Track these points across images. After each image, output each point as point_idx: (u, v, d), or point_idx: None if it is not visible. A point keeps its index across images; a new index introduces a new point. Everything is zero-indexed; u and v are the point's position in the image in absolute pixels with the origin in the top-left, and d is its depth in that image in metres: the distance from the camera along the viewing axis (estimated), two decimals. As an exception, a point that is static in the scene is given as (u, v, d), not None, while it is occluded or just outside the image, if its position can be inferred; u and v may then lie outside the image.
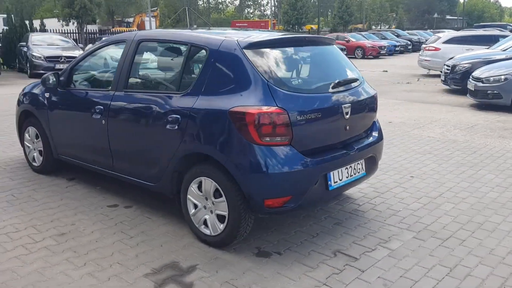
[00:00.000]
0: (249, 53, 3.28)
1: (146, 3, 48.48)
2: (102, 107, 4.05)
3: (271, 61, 3.36)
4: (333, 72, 3.79)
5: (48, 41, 17.10)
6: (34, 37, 17.14)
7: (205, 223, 3.47)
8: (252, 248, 3.45)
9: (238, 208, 3.25)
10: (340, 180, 3.51)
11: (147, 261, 3.26)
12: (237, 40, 3.36)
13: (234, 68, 3.29)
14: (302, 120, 3.21)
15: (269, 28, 46.33)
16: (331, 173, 3.42)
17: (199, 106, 3.35)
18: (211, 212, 3.42)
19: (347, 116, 3.53)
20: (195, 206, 3.51)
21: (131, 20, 55.10)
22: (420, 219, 4.01)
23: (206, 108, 3.31)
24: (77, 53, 15.53)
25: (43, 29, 22.66)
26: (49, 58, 15.44)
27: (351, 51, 28.31)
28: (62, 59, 15.50)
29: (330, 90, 3.51)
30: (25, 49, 16.20)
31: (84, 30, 22.77)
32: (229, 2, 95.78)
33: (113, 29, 36.42)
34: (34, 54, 15.52)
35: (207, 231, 3.46)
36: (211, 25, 60.94)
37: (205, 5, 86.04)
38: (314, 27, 50.10)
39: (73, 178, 4.97)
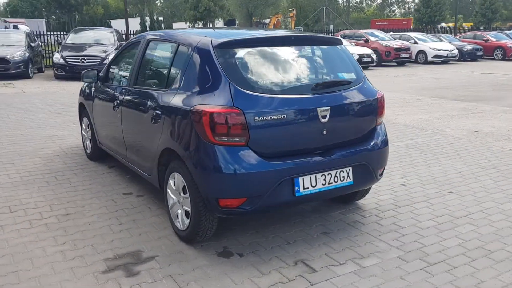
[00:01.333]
0: (218, 53, 3.29)
1: (283, 4, 49.78)
2: (118, 101, 4.39)
3: (240, 61, 3.31)
4: (317, 73, 3.59)
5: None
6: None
7: (178, 217, 3.57)
8: (218, 247, 3.45)
9: (198, 206, 3.28)
10: (313, 186, 3.32)
11: (117, 247, 3.46)
12: (211, 40, 3.38)
13: (204, 67, 3.32)
14: (261, 122, 3.12)
15: (411, 27, 44.06)
16: (300, 178, 3.26)
17: (174, 103, 3.46)
18: (182, 207, 3.51)
19: (325, 120, 3.33)
20: (173, 199, 3.63)
21: (267, 21, 56.99)
22: (420, 238, 3.60)
23: (177, 105, 3.40)
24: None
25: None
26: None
27: (490, 51, 25.70)
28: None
29: (304, 92, 3.35)
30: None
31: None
32: (371, 0, 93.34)
33: None
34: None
35: (179, 225, 3.56)
36: (350, 24, 60.04)
37: (345, 4, 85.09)
38: (451, 25, 46.38)
39: (113, 166, 5.42)
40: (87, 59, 14.71)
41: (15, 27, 21.85)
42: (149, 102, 3.82)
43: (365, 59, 20.28)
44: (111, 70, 4.99)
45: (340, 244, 3.50)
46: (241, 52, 3.35)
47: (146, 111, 3.86)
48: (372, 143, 3.66)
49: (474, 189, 4.69)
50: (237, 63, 3.29)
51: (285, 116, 3.19)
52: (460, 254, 3.36)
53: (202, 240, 3.47)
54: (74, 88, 12.47)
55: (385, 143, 3.79)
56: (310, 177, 3.30)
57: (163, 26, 28.05)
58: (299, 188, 3.26)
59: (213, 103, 3.13)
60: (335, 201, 4.31)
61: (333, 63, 3.73)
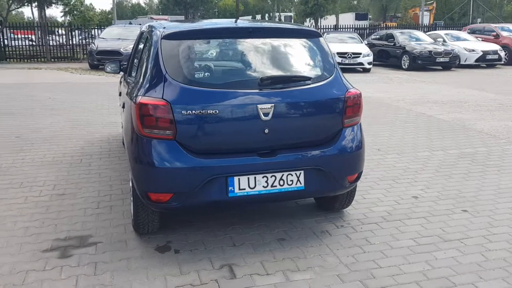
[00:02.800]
0: (163, 44, 3.23)
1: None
2: (122, 91, 4.58)
3: (183, 53, 3.20)
4: (270, 68, 3.31)
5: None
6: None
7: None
8: (162, 241, 3.42)
9: (136, 199, 3.28)
10: (252, 188, 3.11)
11: (75, 229, 3.61)
12: (163, 31, 3.33)
13: (150, 58, 3.29)
14: (190, 116, 2.99)
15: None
16: (236, 178, 3.07)
17: (129, 93, 3.50)
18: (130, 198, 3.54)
19: (266, 118, 3.07)
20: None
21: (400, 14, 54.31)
22: (381, 259, 3.16)
23: (128, 96, 3.43)
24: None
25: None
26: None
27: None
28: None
29: (248, 87, 3.12)
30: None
31: (318, 26, 23.95)
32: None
33: (384, 24, 36.65)
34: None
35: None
36: (503, 18, 54.18)
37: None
38: None
39: (137, 154, 5.67)
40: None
41: (130, 23, 23.97)
42: (128, 91, 3.91)
43: (490, 57, 18.26)
44: (131, 61, 5.20)
45: (285, 253, 3.23)
46: (186, 44, 3.25)
47: (123, 102, 3.96)
48: (334, 147, 3.29)
49: (497, 210, 3.97)
50: (179, 55, 3.19)
51: (218, 111, 3.02)
52: (412, 282, 2.88)
53: (146, 232, 3.46)
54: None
55: (356, 147, 3.40)
56: (248, 178, 3.09)
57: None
58: (233, 188, 3.08)
59: (149, 95, 3.09)
60: (317, 208, 3.98)
61: (297, 58, 3.43)
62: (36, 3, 18.65)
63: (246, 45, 3.35)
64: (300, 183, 3.20)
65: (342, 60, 16.76)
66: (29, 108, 8.72)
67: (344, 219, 3.80)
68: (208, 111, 3.01)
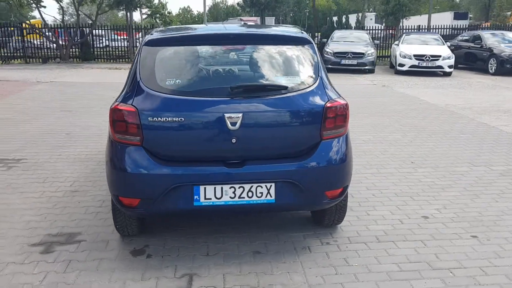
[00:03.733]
0: (143, 50, 3.27)
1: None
2: None
3: (158, 60, 3.21)
4: (245, 76, 3.20)
5: (349, 38, 18.18)
6: (338, 34, 18.70)
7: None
8: (141, 244, 3.47)
9: (112, 202, 3.36)
10: (218, 198, 3.05)
11: (69, 226, 3.78)
12: (148, 37, 3.37)
13: (132, 64, 3.36)
14: (157, 123, 3.00)
15: None
16: (201, 187, 3.03)
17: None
18: (115, 200, 3.62)
19: (234, 128, 2.99)
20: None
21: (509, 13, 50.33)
22: (349, 283, 2.95)
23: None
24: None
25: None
26: (337, 54, 16.58)
27: None
28: (349, 55, 16.36)
29: (218, 95, 3.06)
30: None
31: (400, 26, 22.87)
32: None
33: (484, 24, 34.34)
34: (326, 49, 17.03)
35: (118, 217, 3.69)
36: None
37: None
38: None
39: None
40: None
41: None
42: None
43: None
44: None
45: (253, 268, 3.13)
46: (163, 51, 3.26)
47: None
48: (309, 160, 3.12)
49: (511, 239, 3.53)
50: (155, 61, 3.21)
51: (184, 119, 3.00)
52: (372, 312, 2.65)
53: (126, 234, 3.53)
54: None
55: (338, 161, 3.20)
56: (215, 188, 3.04)
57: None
58: (199, 197, 3.04)
59: (123, 101, 3.14)
60: (313, 222, 3.81)
61: (277, 65, 3.30)
62: (124, 7, 19.85)
63: (225, 52, 3.29)
64: (271, 196, 3.08)
65: (419, 63, 15.94)
66: (88, 106, 9.30)
67: (333, 236, 3.59)
68: (174, 119, 2.99)
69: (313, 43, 3.43)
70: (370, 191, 4.58)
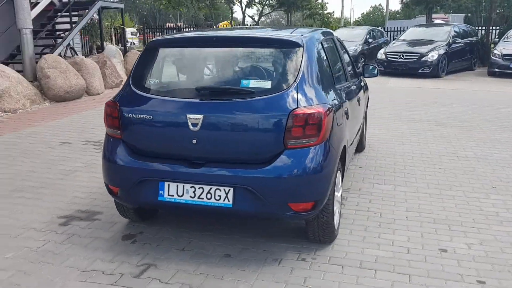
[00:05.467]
0: (143, 52, 3.51)
1: None
2: None
3: (148, 61, 3.40)
4: (217, 78, 3.16)
5: None
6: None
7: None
8: (136, 230, 3.74)
9: None
10: (179, 196, 3.14)
11: (101, 205, 4.26)
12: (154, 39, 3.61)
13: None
14: (132, 119, 3.23)
15: None
16: (166, 183, 3.16)
17: None
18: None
19: (195, 129, 3.04)
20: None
21: None
22: (285, 302, 2.76)
23: None
24: None
25: None
26: (506, 56, 14.51)
27: None
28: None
29: (187, 96, 3.13)
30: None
31: None
32: None
33: None
34: (494, 51, 15.03)
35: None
36: None
37: None
38: None
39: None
40: (406, 55, 14.69)
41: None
42: None
43: None
44: None
45: (208, 270, 3.14)
46: (155, 52, 3.45)
47: None
48: (269, 168, 2.99)
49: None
50: (147, 62, 3.43)
51: (153, 117, 3.16)
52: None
53: (129, 219, 3.83)
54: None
55: (305, 172, 2.99)
56: (177, 185, 3.14)
57: None
58: (163, 192, 3.18)
59: (114, 97, 3.45)
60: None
61: (254, 69, 3.21)
62: (284, 8, 20.58)
63: (207, 54, 3.34)
64: (228, 200, 3.05)
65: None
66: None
67: (316, 253, 3.36)
68: (145, 116, 3.18)
69: (305, 46, 3.24)
70: (408, 212, 4.08)
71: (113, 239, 3.61)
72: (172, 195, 3.16)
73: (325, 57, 3.65)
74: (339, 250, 3.40)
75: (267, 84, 3.11)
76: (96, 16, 12.74)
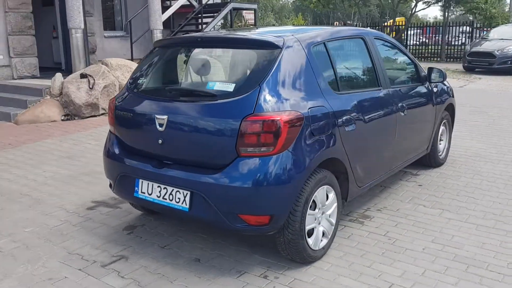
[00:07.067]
0: (149, 52, 3.66)
1: None
2: None
3: (146, 61, 3.52)
4: (190, 78, 3.10)
5: None
6: None
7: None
8: (140, 223, 3.93)
9: None
10: (149, 194, 3.21)
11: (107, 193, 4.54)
12: None
13: None
14: (119, 115, 3.41)
15: None
16: (140, 181, 3.27)
17: None
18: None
19: (161, 129, 3.07)
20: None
21: None
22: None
23: None
24: None
25: None
26: None
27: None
28: None
29: (156, 95, 3.19)
30: None
31: None
32: None
33: None
34: None
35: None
36: None
37: None
38: None
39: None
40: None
41: None
42: None
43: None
44: None
45: (171, 271, 3.16)
46: (153, 53, 3.56)
47: None
48: (220, 175, 2.86)
49: None
50: (144, 61, 3.56)
51: (132, 115, 3.28)
52: None
53: (140, 211, 4.03)
54: None
55: (258, 183, 2.80)
56: (148, 184, 3.23)
57: None
58: (138, 189, 3.30)
59: (116, 95, 3.68)
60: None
61: (226, 70, 3.11)
62: (441, 3, 18.86)
63: (189, 54, 3.33)
64: (185, 204, 3.02)
65: None
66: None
67: (284, 273, 3.11)
68: (127, 113, 3.32)
69: (285, 48, 3.00)
70: (431, 244, 3.50)
71: (116, 228, 3.85)
72: (144, 193, 3.24)
73: (322, 60, 3.31)
74: (311, 274, 3.09)
75: (230, 87, 2.97)
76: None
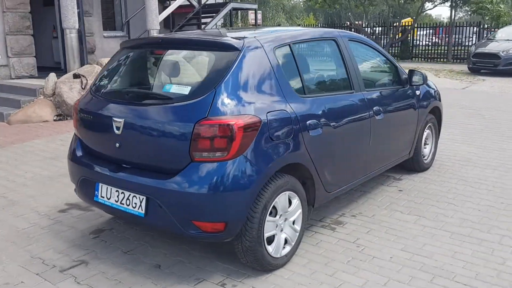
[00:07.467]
0: (115, 54, 3.61)
1: None
2: None
3: (110, 63, 3.47)
4: (145, 81, 3.04)
5: None
6: None
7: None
8: (108, 227, 3.88)
9: None
10: (108, 199, 3.16)
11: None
12: None
13: None
14: (83, 119, 3.36)
15: None
16: (100, 184, 3.22)
17: None
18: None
19: (118, 132, 3.02)
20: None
21: None
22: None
23: None
24: None
25: None
26: None
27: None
28: None
29: (114, 98, 3.14)
30: None
31: None
32: None
33: None
34: None
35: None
36: None
37: None
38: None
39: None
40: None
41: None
42: None
43: None
44: None
45: (126, 277, 3.10)
46: (125, 54, 3.53)
47: None
48: (173, 180, 2.80)
49: None
50: (109, 63, 3.51)
51: (92, 118, 3.24)
52: None
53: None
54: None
55: (211, 189, 2.74)
56: (107, 188, 3.18)
57: None
58: (98, 193, 3.25)
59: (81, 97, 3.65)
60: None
61: (185, 72, 3.04)
62: (449, 3, 18.60)
63: (151, 56, 3.27)
64: (141, 210, 2.97)
65: None
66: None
67: (243, 281, 3.05)
68: (88, 116, 3.28)
69: (244, 51, 2.93)
70: (400, 252, 3.41)
71: (84, 231, 3.80)
72: (104, 197, 3.19)
73: (287, 63, 3.23)
74: (270, 282, 3.01)
75: (186, 90, 2.91)
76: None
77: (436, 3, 19.80)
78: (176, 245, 3.51)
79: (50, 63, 12.49)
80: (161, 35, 3.46)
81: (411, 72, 4.49)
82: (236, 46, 2.96)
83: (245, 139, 2.76)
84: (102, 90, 3.37)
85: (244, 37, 3.05)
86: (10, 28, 10.01)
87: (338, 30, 3.99)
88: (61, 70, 11.26)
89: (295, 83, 3.27)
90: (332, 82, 3.82)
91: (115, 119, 3.04)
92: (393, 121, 4.25)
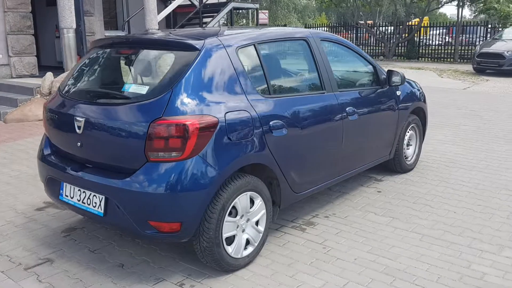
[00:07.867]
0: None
1: None
2: None
3: (83, 63, 3.51)
4: (106, 81, 3.06)
5: None
6: None
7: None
8: (80, 226, 3.91)
9: None
10: (71, 198, 3.19)
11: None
12: None
13: None
14: (50, 117, 3.41)
15: None
16: (64, 183, 3.25)
17: None
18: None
19: (79, 131, 3.05)
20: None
21: None
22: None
23: None
24: None
25: None
26: None
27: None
28: None
29: (83, 98, 3.16)
30: None
31: None
32: None
33: None
34: None
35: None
36: None
37: None
38: None
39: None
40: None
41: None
42: None
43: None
44: None
45: (89, 276, 3.13)
46: (91, 52, 3.54)
47: None
48: (129, 180, 2.82)
49: None
50: (80, 63, 3.54)
51: (57, 117, 3.27)
52: None
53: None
54: None
55: (166, 188, 2.75)
56: (70, 187, 3.21)
57: None
58: (62, 192, 3.28)
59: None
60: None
61: (145, 72, 3.10)
62: (455, 2, 18.41)
63: (116, 56, 3.30)
64: (101, 209, 2.99)
65: None
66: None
67: (202, 281, 3.05)
68: (54, 115, 3.32)
69: (204, 51, 2.94)
70: (366, 254, 3.39)
71: (56, 230, 3.84)
72: (67, 196, 3.22)
73: (250, 63, 3.23)
74: (229, 283, 3.01)
75: (143, 90, 2.92)
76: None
77: (442, 3, 19.57)
78: (143, 244, 3.53)
79: (53, 62, 12.62)
80: (129, 35, 3.48)
81: (390, 72, 4.45)
82: (195, 46, 2.97)
83: (201, 139, 2.76)
84: (69, 90, 3.40)
85: (206, 37, 3.06)
86: (11, 27, 10.13)
87: (310, 30, 3.98)
88: (63, 69, 11.38)
89: (260, 84, 3.26)
90: (301, 83, 3.81)
91: (76, 118, 3.07)
92: (369, 121, 4.21)
